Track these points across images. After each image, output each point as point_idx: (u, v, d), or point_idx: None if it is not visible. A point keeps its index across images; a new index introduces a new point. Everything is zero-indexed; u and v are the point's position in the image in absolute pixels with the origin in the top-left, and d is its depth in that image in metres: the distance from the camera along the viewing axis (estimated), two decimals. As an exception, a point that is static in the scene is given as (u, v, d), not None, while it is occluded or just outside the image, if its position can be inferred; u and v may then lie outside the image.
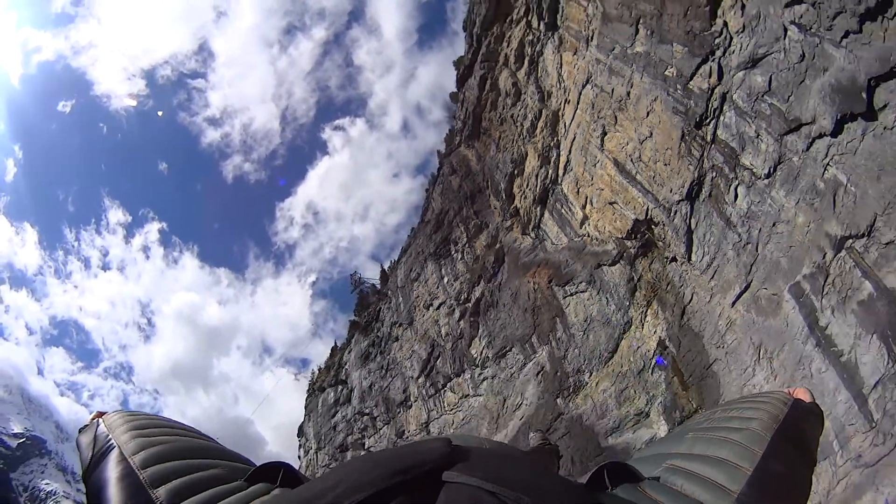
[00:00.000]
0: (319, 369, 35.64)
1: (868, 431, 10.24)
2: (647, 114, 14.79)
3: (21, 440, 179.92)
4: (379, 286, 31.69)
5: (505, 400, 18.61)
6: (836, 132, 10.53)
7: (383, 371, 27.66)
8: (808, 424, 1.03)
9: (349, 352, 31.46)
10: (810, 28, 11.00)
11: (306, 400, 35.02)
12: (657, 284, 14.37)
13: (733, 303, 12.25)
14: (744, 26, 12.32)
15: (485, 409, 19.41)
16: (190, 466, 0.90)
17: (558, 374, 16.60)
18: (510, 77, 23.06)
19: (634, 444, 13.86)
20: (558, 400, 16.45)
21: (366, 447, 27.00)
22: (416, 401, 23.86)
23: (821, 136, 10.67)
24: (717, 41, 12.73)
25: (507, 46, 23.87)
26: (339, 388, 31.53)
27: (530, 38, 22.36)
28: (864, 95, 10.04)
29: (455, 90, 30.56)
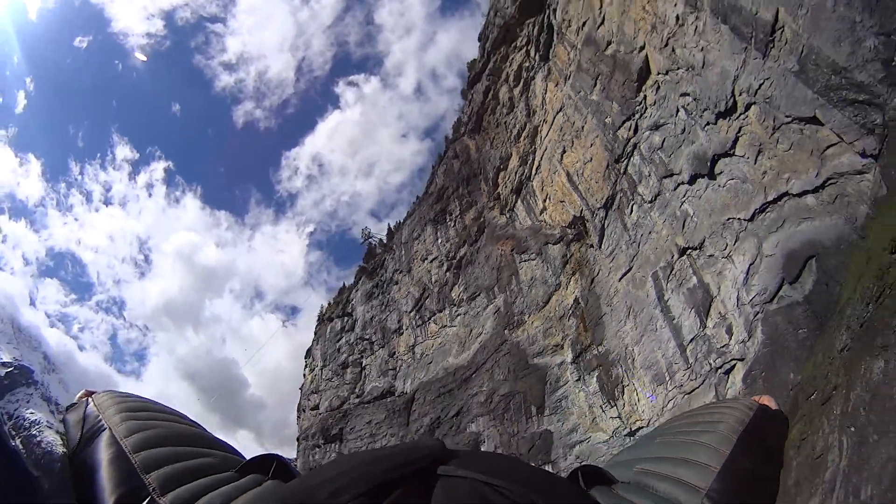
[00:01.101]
0: (329, 303, 40.75)
1: (686, 370, 15.73)
2: (591, 145, 19.87)
3: (9, 369, 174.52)
4: (385, 241, 36.86)
5: (471, 330, 24.01)
6: (691, 182, 15.75)
7: (383, 306, 32.93)
8: (771, 428, 1.03)
9: (356, 290, 36.66)
10: (691, 113, 16.08)
11: (316, 328, 39.97)
12: (580, 261, 19.72)
13: (620, 279, 17.63)
14: (655, 101, 17.34)
15: (456, 336, 24.84)
16: (182, 453, 0.87)
17: (508, 313, 21.96)
18: (508, 92, 27.75)
19: (550, 365, 19.39)
20: (506, 331, 21.84)
21: (363, 365, 32.35)
22: (406, 329, 29.22)
23: (682, 183, 15.91)
24: (637, 108, 17.78)
25: (509, 66, 28.43)
26: (345, 318, 36.70)
27: (527, 64, 26.97)
28: (709, 164, 15.28)
29: (466, 87, 35.16)
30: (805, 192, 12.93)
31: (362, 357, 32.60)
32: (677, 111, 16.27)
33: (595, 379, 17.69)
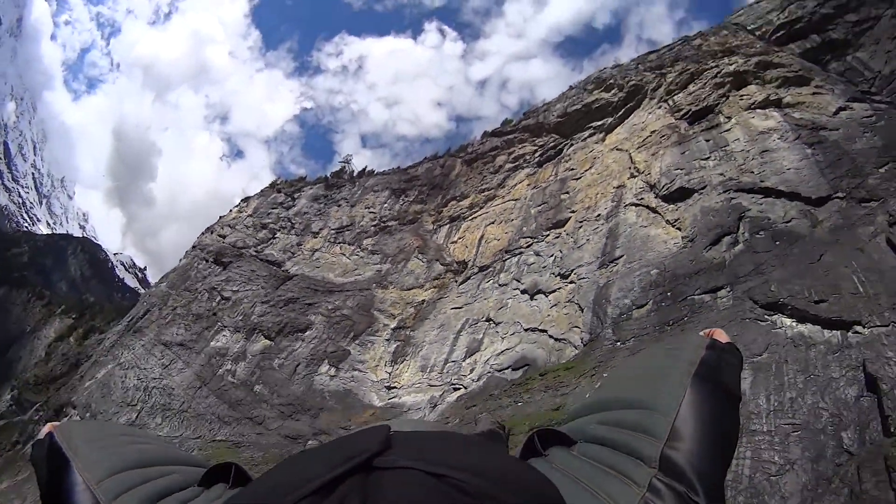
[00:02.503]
0: (285, 180, 47.21)
1: (439, 374, 24.61)
2: (506, 233, 28.80)
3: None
4: (354, 174, 44.43)
5: (356, 269, 32.08)
6: (522, 293, 24.83)
7: (318, 212, 40.28)
8: (725, 364, 1.00)
9: (310, 188, 43.67)
10: (554, 262, 25.19)
11: (265, 188, 45.97)
12: (444, 284, 28.55)
13: (451, 308, 26.54)
14: (547, 243, 26.44)
15: (345, 265, 32.79)
16: (144, 476, 0.90)
17: (384, 276, 30.25)
18: (503, 161, 36.09)
19: (380, 320, 27.94)
20: (374, 285, 30.00)
21: (275, 236, 39.25)
22: (320, 237, 36.66)
23: (518, 290, 24.98)
24: (540, 237, 26.84)
25: (519, 148, 36.87)
26: (288, 199, 43.49)
27: (527, 157, 35.46)
28: (534, 291, 24.41)
29: (488, 131, 43.38)
30: (551, 336, 22.16)
31: (279, 231, 39.66)
32: (550, 256, 25.38)
33: (395, 345, 26.34)
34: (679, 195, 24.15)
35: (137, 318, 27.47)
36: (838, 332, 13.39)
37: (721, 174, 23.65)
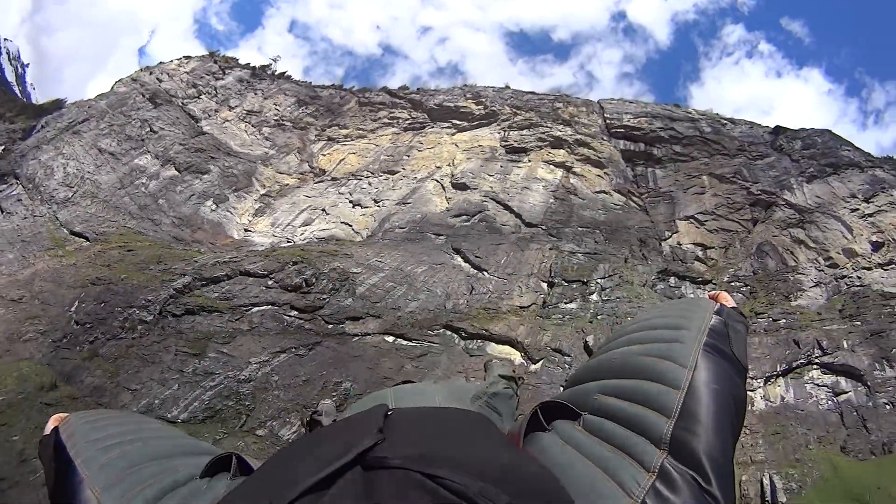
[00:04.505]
0: (224, 56, 55.58)
1: (291, 234, 38.24)
2: (358, 164, 42.36)
3: None
4: (275, 74, 54.21)
5: (251, 145, 43.68)
6: (349, 202, 38.89)
7: (239, 92, 49.00)
8: (733, 331, 0.94)
9: (240, 70, 52.23)
10: (380, 191, 39.38)
11: (205, 56, 50.82)
12: (306, 179, 41.67)
13: (304, 196, 39.98)
14: (383, 180, 40.51)
15: (244, 140, 43.91)
16: (146, 474, 0.89)
17: (269, 159, 42.66)
18: (384, 116, 48.67)
19: (255, 185, 40.50)
20: (259, 161, 42.48)
21: (200, 97, 48.84)
22: (233, 113, 46.82)
23: (347, 199, 39.03)
24: (377, 177, 40.78)
25: (398, 112, 49.63)
26: (220, 71, 51.94)
27: (400, 121, 48.25)
28: (362, 203, 38.57)
29: (387, 87, 54.86)
30: (353, 229, 36.47)
31: (205, 94, 47.86)
32: (375, 189, 39.28)
33: (259, 205, 38.69)
34: (461, 187, 36.08)
35: (77, 123, 35.72)
36: (483, 273, 28.71)
37: (490, 187, 36.82)
